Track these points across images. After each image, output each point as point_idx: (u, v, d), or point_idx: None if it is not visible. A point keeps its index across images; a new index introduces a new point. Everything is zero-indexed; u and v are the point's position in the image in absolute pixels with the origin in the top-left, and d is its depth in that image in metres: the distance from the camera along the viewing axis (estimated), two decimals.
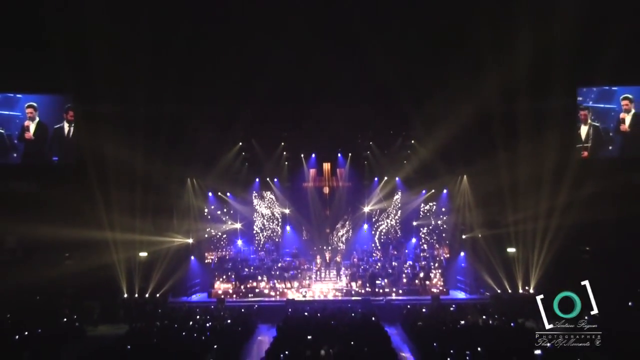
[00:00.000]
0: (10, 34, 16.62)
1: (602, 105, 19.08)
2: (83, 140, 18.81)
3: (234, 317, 16.25)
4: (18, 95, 19.01)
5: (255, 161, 23.05)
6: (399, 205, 23.97)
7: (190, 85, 18.07)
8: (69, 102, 19.17)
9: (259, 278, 20.76)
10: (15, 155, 19.18)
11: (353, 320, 15.35)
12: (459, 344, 11.37)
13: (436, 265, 21.39)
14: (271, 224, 24.32)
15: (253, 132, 21.60)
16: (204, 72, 17.95)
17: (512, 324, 14.55)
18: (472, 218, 21.37)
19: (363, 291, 19.78)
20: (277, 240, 24.09)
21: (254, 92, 18.12)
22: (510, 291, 18.97)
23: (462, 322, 14.75)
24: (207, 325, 14.98)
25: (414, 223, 23.72)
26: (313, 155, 23.67)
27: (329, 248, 23.61)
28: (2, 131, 18.97)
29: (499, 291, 19.09)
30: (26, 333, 13.62)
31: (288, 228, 24.08)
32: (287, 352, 11.00)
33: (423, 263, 21.36)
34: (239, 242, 23.88)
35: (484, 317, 15.73)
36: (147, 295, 19.12)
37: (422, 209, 23.70)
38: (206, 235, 23.05)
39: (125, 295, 19.06)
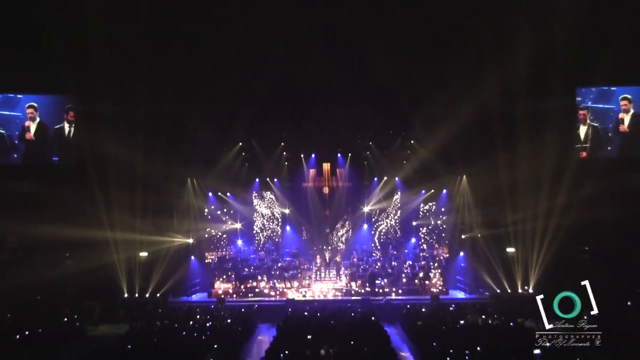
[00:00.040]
0: (10, 34, 16.64)
1: (601, 106, 19.11)
2: (83, 141, 18.85)
3: (234, 316, 16.28)
4: (19, 96, 19.03)
5: (255, 161, 23.08)
6: (399, 205, 24.01)
7: (190, 85, 18.11)
8: (69, 102, 19.20)
9: (259, 278, 20.79)
10: (15, 155, 19.19)
11: (353, 319, 15.38)
12: (459, 343, 11.41)
13: (436, 265, 21.43)
14: (271, 224, 24.35)
15: (253, 132, 21.61)
16: (204, 72, 17.97)
17: (511, 324, 14.59)
18: (471, 218, 21.41)
19: (363, 291, 19.82)
20: (277, 240, 24.12)
21: (254, 92, 18.13)
22: (509, 291, 19.01)
23: (462, 321, 14.79)
24: (207, 325, 15.02)
25: (414, 223, 23.76)
26: (313, 155, 23.70)
27: (329, 248, 23.65)
28: (2, 131, 19.00)
29: (498, 291, 19.14)
30: (27, 333, 13.64)
31: (288, 228, 24.11)
32: (287, 352, 11.03)
33: (422, 263, 21.39)
34: (239, 242, 23.91)
35: (483, 316, 15.77)
36: (147, 295, 19.15)
37: (421, 209, 23.73)
38: (206, 235, 23.09)
39: (126, 295, 19.10)
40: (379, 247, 23.59)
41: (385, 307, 18.11)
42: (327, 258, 22.86)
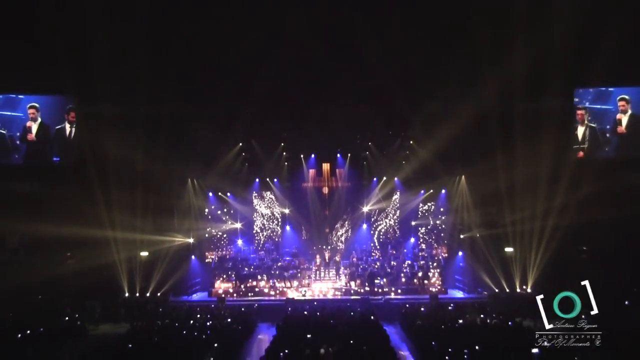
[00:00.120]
0: (11, 34, 16.66)
1: (598, 106, 19.15)
2: (84, 141, 18.88)
3: (234, 316, 16.34)
4: (20, 96, 19.02)
5: (255, 161, 23.13)
6: (398, 205, 24.09)
7: (190, 85, 18.15)
8: (70, 102, 19.22)
9: (259, 277, 20.86)
10: (17, 156, 19.18)
11: (352, 319, 15.44)
12: (457, 342, 11.46)
13: (434, 264, 21.51)
14: (271, 223, 24.43)
15: (253, 132, 21.65)
16: (204, 72, 18.01)
17: (509, 323, 14.63)
18: (470, 218, 21.49)
19: (362, 290, 19.90)
20: (277, 239, 24.20)
21: (254, 92, 18.17)
22: (507, 290, 19.08)
23: (460, 321, 14.82)
24: (208, 324, 15.07)
25: (413, 223, 23.85)
26: (313, 155, 23.77)
27: (328, 248, 23.73)
28: (4, 132, 19.01)
29: (496, 290, 19.22)
30: (28, 332, 13.66)
31: (288, 228, 24.18)
32: (287, 351, 11.07)
33: (422, 262, 21.47)
34: (239, 242, 23.98)
35: (481, 316, 15.80)
36: (148, 295, 19.22)
37: (420, 209, 23.83)
38: (206, 235, 23.18)
39: (127, 294, 19.16)
40: (378, 247, 23.67)
41: (385, 307, 18.18)
42: (327, 258, 22.94)
